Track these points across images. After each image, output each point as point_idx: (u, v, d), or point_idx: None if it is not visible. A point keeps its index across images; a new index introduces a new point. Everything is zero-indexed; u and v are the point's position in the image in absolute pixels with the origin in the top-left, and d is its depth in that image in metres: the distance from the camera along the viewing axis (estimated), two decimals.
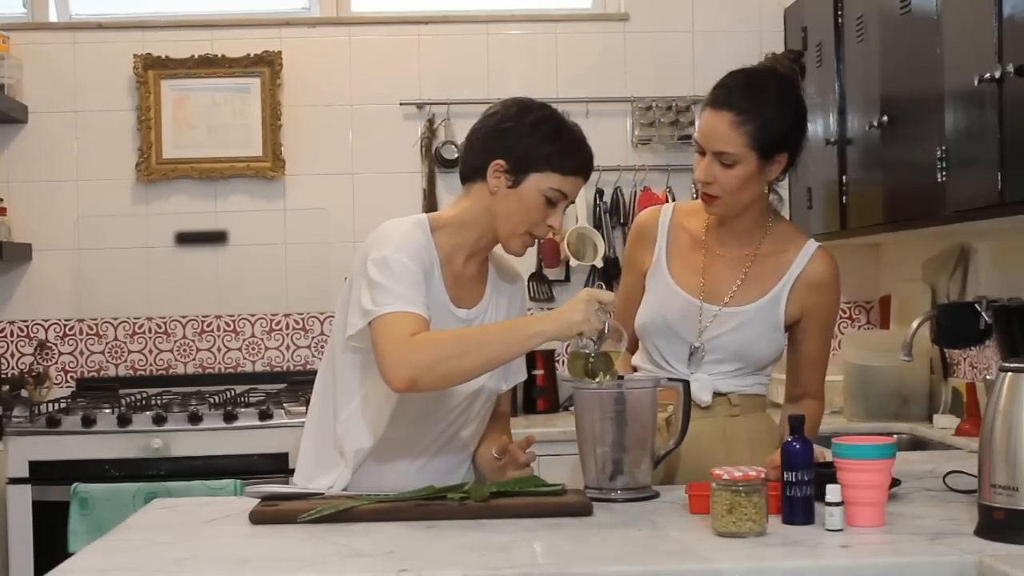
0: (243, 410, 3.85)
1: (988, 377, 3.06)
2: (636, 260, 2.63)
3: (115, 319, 4.43)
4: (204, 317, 4.45)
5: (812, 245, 2.56)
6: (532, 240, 2.42)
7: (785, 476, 2.07)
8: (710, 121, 2.41)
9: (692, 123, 4.28)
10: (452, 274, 2.42)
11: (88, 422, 3.78)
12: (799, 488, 2.06)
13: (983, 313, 2.57)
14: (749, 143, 2.39)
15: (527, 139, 2.35)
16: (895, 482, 2.21)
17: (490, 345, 2.24)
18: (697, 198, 2.59)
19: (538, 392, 4.30)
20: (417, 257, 2.32)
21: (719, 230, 2.56)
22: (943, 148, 2.89)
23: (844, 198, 3.76)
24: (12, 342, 4.42)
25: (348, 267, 4.33)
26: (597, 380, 2.28)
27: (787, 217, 4.33)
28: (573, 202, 2.46)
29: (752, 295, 2.51)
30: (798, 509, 2.07)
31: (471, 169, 2.42)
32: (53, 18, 4.58)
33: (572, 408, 2.41)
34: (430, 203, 4.41)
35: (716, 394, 2.51)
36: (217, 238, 4.45)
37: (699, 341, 2.51)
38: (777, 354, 2.56)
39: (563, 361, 4.45)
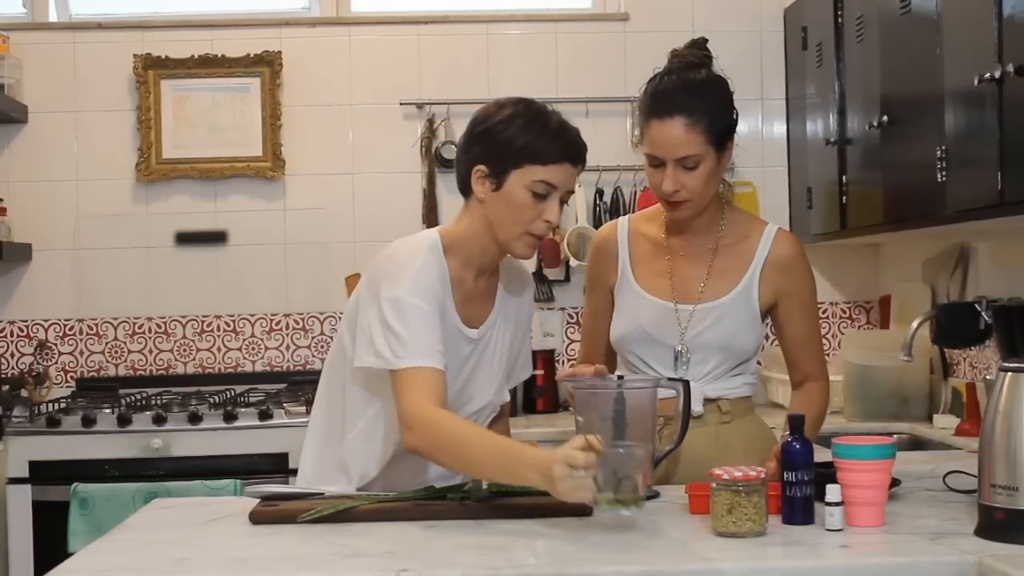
0: (243, 410, 3.85)
1: (988, 377, 3.06)
2: (601, 277, 2.63)
3: (115, 319, 4.43)
4: (204, 317, 4.45)
5: (773, 228, 2.57)
6: (535, 240, 2.34)
7: (785, 476, 2.07)
8: (662, 131, 2.41)
9: None
10: (463, 295, 2.38)
11: (88, 422, 3.78)
12: (799, 488, 2.06)
13: (983, 313, 2.56)
14: (706, 140, 2.41)
15: (500, 137, 2.29)
16: (895, 482, 2.21)
17: (482, 466, 2.17)
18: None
19: (538, 392, 4.30)
20: (432, 295, 2.28)
21: (679, 230, 2.57)
22: (943, 148, 2.89)
23: (844, 198, 3.76)
24: (12, 342, 4.42)
25: (348, 267, 4.37)
26: (631, 510, 2.06)
27: (787, 216, 4.39)
28: (571, 191, 2.36)
29: (723, 287, 2.52)
30: (798, 509, 2.07)
31: (462, 182, 2.38)
32: (53, 18, 4.58)
33: (572, 408, 2.41)
34: (430, 203, 4.42)
35: (706, 400, 2.51)
36: (217, 238, 4.45)
37: (681, 344, 2.51)
38: (757, 344, 2.56)
39: (563, 361, 4.47)
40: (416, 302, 2.25)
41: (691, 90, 2.42)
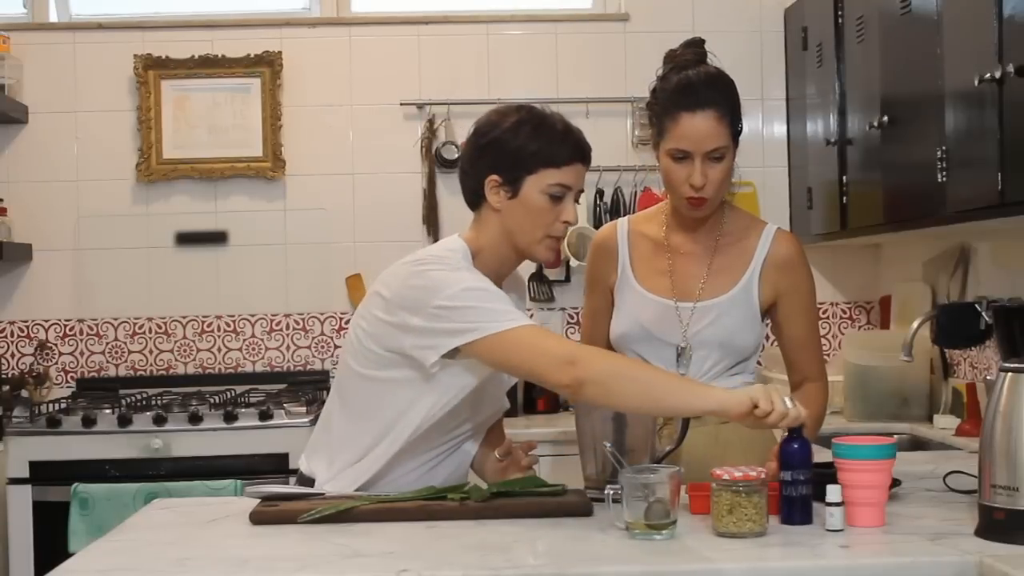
0: (243, 410, 3.85)
1: (988, 377, 3.06)
2: (600, 277, 2.64)
3: (115, 319, 4.43)
4: (204, 317, 4.45)
5: (772, 228, 2.60)
6: (555, 242, 2.36)
7: (782, 476, 2.07)
8: (694, 124, 2.42)
9: None
10: None
11: (88, 422, 3.78)
12: (796, 488, 2.06)
13: (983, 313, 2.56)
14: (731, 133, 2.46)
15: (510, 146, 2.31)
16: (895, 482, 2.21)
17: (663, 388, 2.14)
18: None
19: (538, 392, 4.29)
20: (486, 280, 2.28)
21: (679, 228, 2.59)
22: (943, 148, 2.89)
23: (844, 198, 3.76)
24: (12, 342, 4.42)
25: (348, 267, 4.37)
26: (663, 535, 2.01)
27: (787, 216, 4.39)
28: (582, 190, 2.39)
29: (723, 285, 2.54)
30: (795, 509, 2.07)
31: (472, 194, 2.38)
32: (53, 18, 4.58)
33: (572, 408, 2.41)
34: (430, 203, 4.42)
35: None
36: (217, 238, 4.45)
37: (684, 341, 2.52)
38: (757, 343, 2.57)
39: None
40: (481, 284, 2.25)
41: (714, 84, 2.46)
